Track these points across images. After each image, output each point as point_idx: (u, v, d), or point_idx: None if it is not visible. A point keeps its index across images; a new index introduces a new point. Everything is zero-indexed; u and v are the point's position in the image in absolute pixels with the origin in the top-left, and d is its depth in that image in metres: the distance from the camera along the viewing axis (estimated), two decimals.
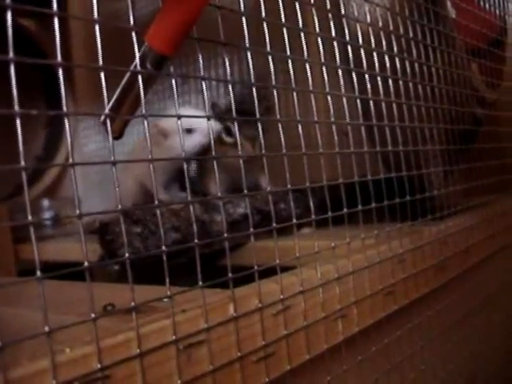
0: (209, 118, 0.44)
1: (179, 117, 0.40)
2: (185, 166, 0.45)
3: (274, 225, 0.48)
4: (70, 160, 0.33)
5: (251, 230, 0.46)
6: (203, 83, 0.42)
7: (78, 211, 0.33)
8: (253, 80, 0.46)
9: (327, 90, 0.56)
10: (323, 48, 0.57)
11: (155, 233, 0.65)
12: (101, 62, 0.35)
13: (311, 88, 0.54)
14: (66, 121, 0.33)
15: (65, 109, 0.33)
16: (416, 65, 0.75)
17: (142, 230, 0.66)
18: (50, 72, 1.50)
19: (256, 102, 0.47)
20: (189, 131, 0.86)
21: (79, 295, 0.35)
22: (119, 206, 0.35)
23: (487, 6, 1.15)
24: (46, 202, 1.47)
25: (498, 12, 1.20)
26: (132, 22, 0.38)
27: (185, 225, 0.69)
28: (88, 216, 0.35)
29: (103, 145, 1.44)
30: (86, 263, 0.33)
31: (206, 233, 0.70)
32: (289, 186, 0.51)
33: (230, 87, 0.46)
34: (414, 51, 0.76)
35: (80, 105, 1.56)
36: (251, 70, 0.47)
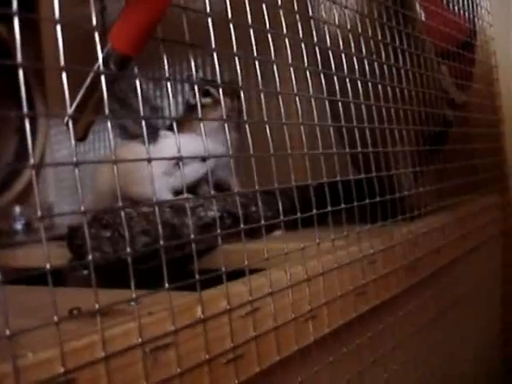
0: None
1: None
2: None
3: (242, 226, 0.48)
4: (32, 161, 0.33)
5: (218, 232, 0.46)
6: (168, 84, 0.42)
7: (39, 213, 0.33)
8: (219, 81, 0.46)
9: (295, 91, 0.56)
10: (291, 50, 0.57)
11: (125, 237, 0.65)
12: (62, 63, 0.35)
13: (278, 89, 0.54)
14: (27, 122, 0.33)
15: (25, 110, 0.32)
16: (385, 67, 0.76)
17: (112, 234, 0.65)
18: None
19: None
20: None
21: (46, 300, 0.34)
22: (82, 208, 0.35)
23: (456, 8, 1.16)
24: (17, 209, 1.45)
25: (467, 14, 1.22)
26: (94, 23, 0.37)
27: (155, 228, 0.68)
28: (49, 218, 0.34)
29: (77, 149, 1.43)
30: (47, 266, 0.33)
31: (176, 236, 0.70)
32: (256, 188, 0.51)
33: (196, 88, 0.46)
34: (383, 53, 0.76)
35: (52, 109, 1.55)
36: (217, 72, 0.47)
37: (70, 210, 1.35)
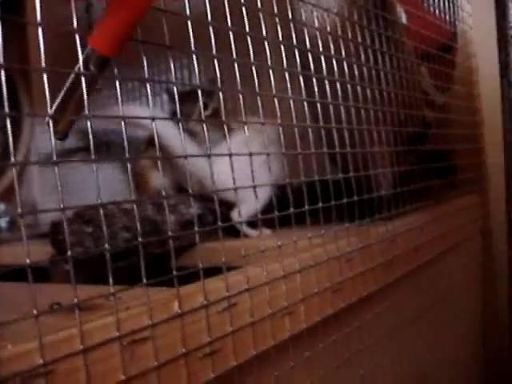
0: (153, 119, 0.45)
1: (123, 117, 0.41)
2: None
3: (219, 224, 0.49)
4: (12, 160, 0.34)
5: (195, 229, 0.47)
6: (147, 85, 0.43)
7: (19, 210, 0.34)
8: (198, 81, 0.47)
9: (274, 92, 0.57)
10: (271, 52, 0.58)
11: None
12: (43, 64, 0.36)
13: (258, 90, 0.55)
14: (8, 122, 0.34)
15: (6, 110, 0.33)
16: (365, 69, 0.77)
17: (94, 229, 0.66)
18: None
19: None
20: None
21: (28, 295, 0.35)
22: (61, 205, 0.36)
23: (437, 11, 1.18)
24: (1, 207, 1.45)
25: (448, 17, 1.24)
26: (75, 25, 0.38)
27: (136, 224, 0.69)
28: (32, 216, 0.35)
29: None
30: (27, 261, 0.34)
31: (158, 233, 0.71)
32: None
33: (175, 89, 0.47)
34: (363, 55, 0.77)
35: (37, 108, 1.55)
36: (196, 73, 0.48)
37: (55, 206, 1.35)
